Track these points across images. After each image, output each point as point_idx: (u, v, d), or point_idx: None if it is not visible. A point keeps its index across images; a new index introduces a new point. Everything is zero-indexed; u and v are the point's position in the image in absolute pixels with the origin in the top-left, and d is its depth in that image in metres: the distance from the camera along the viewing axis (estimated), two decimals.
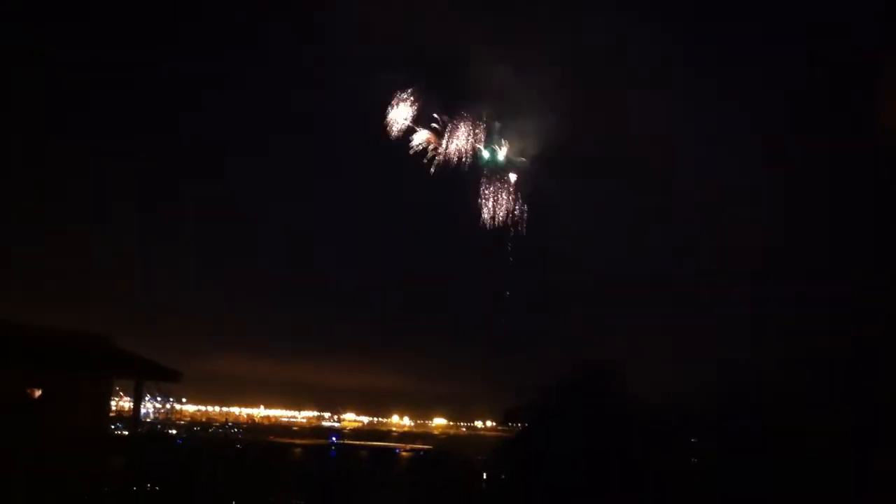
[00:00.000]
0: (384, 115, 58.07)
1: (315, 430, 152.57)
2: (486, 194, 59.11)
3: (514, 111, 57.92)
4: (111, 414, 29.09)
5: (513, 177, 59.40)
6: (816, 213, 47.68)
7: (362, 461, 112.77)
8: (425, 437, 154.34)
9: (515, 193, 59.22)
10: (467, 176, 58.74)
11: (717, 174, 51.94)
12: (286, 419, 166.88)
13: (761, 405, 21.30)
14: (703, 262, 55.41)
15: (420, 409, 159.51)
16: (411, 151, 58.09)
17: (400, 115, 57.83)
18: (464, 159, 58.46)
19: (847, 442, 20.14)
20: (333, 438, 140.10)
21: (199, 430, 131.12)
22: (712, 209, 53.89)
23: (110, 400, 27.57)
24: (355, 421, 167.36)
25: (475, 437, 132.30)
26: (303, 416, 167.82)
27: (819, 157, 48.96)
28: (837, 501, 19.24)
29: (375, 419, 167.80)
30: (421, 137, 58.04)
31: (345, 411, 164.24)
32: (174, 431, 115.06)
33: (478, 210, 59.54)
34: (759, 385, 22.35)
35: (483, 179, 59.24)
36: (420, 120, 58.26)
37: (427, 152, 58.41)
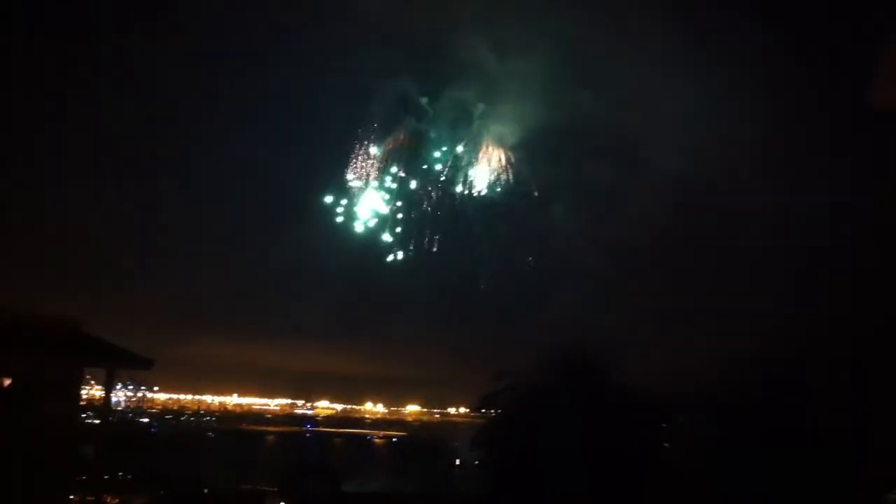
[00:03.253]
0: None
1: (288, 418, 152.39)
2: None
3: (502, 95, 57.35)
4: (82, 402, 28.71)
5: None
6: (818, 203, 47.98)
7: (337, 448, 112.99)
8: (399, 423, 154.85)
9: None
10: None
11: (717, 165, 52.15)
12: (259, 407, 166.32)
13: (761, 395, 21.50)
14: (703, 254, 55.75)
15: (393, 395, 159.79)
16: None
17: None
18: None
19: (847, 433, 20.42)
20: (309, 426, 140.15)
21: (171, 418, 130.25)
22: (713, 199, 54.08)
23: (81, 388, 27.17)
24: (329, 408, 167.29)
25: (448, 424, 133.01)
26: (276, 403, 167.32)
27: (821, 146, 49.22)
28: (837, 490, 19.50)
29: (349, 406, 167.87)
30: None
31: (318, 398, 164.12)
32: (146, 420, 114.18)
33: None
34: (759, 375, 22.57)
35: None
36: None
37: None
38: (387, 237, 58.26)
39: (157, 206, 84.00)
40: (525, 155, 58.33)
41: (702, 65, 50.92)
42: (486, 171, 58.27)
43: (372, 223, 58.09)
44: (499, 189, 58.22)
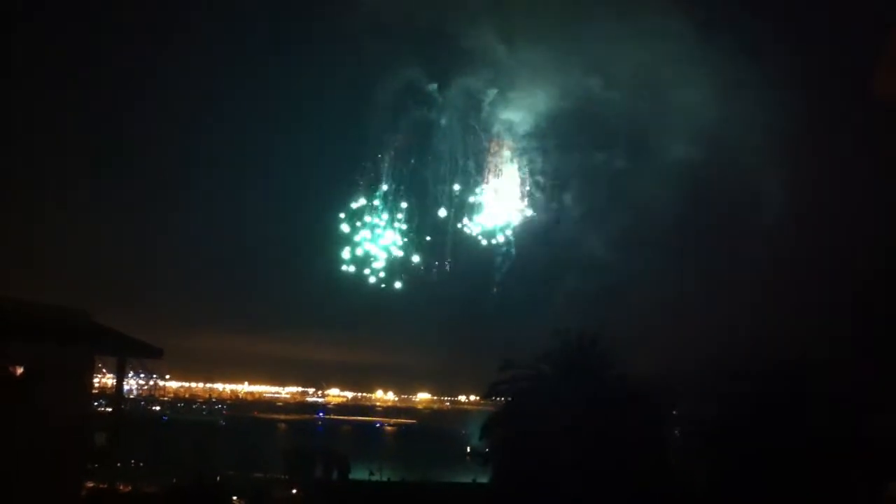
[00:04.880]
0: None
1: (299, 406, 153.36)
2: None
3: (511, 84, 56.77)
4: (94, 391, 28.96)
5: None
6: (826, 195, 47.62)
7: (348, 435, 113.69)
8: (409, 411, 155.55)
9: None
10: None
11: (724, 155, 51.77)
12: (270, 395, 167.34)
13: (762, 384, 21.52)
14: (704, 237, 55.49)
15: (404, 383, 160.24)
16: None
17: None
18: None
19: (847, 414, 20.41)
20: (321, 413, 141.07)
21: (182, 406, 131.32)
22: (719, 188, 53.73)
23: (93, 376, 27.40)
24: (339, 396, 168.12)
25: (459, 412, 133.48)
26: (287, 391, 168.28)
27: (830, 137, 48.73)
28: (833, 471, 19.53)
29: (360, 394, 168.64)
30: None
31: (329, 386, 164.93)
32: (158, 408, 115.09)
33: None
34: (761, 365, 22.58)
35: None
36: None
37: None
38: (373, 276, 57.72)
39: (164, 196, 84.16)
40: (535, 144, 58.04)
41: (711, 50, 50.52)
42: (495, 163, 57.97)
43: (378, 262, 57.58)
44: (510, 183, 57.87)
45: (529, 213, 58.42)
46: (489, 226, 58.18)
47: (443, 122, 57.21)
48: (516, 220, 58.60)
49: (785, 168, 50.35)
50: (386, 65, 55.63)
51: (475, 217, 58.13)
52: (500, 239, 58.20)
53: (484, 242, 58.02)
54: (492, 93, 56.83)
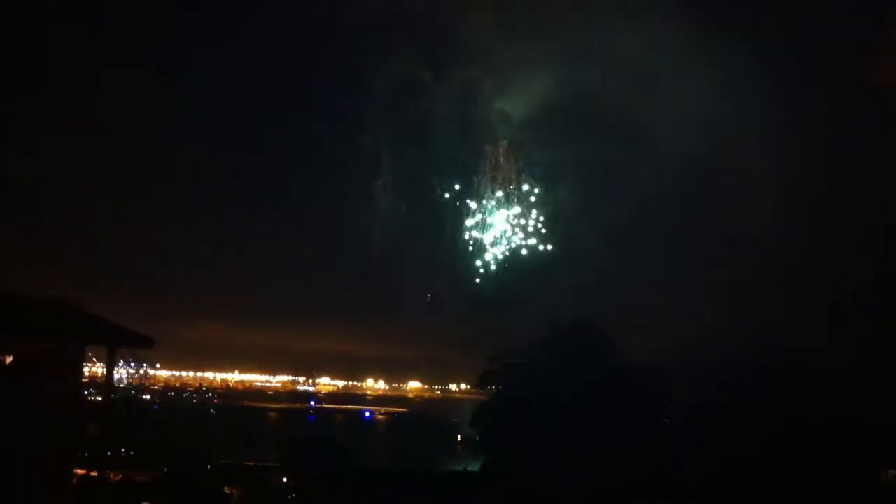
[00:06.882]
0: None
1: (290, 395, 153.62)
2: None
3: (506, 75, 56.18)
4: (84, 380, 28.78)
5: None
6: (824, 184, 47.75)
7: (340, 424, 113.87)
8: (400, 400, 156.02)
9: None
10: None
11: (723, 144, 51.76)
12: (260, 384, 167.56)
13: (760, 367, 21.62)
14: (700, 225, 55.69)
15: (395, 372, 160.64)
16: None
17: None
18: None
19: (846, 404, 20.54)
20: (312, 402, 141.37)
21: (172, 395, 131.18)
22: (718, 176, 53.80)
23: (83, 366, 27.23)
24: (330, 385, 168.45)
25: (450, 401, 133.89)
26: (277, 380, 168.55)
27: (825, 126, 48.80)
28: (833, 459, 19.66)
29: (350, 383, 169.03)
30: None
31: (320, 375, 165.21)
32: (148, 397, 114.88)
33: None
34: (758, 349, 22.69)
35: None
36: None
37: None
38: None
39: (159, 188, 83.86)
40: (531, 136, 57.53)
41: (708, 44, 50.34)
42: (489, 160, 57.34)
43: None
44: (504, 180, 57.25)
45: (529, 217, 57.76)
46: (487, 245, 57.32)
47: (439, 109, 56.62)
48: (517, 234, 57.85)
49: (786, 163, 50.40)
50: (382, 56, 55.24)
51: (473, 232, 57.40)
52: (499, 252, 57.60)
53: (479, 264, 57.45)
54: (488, 82, 56.44)
